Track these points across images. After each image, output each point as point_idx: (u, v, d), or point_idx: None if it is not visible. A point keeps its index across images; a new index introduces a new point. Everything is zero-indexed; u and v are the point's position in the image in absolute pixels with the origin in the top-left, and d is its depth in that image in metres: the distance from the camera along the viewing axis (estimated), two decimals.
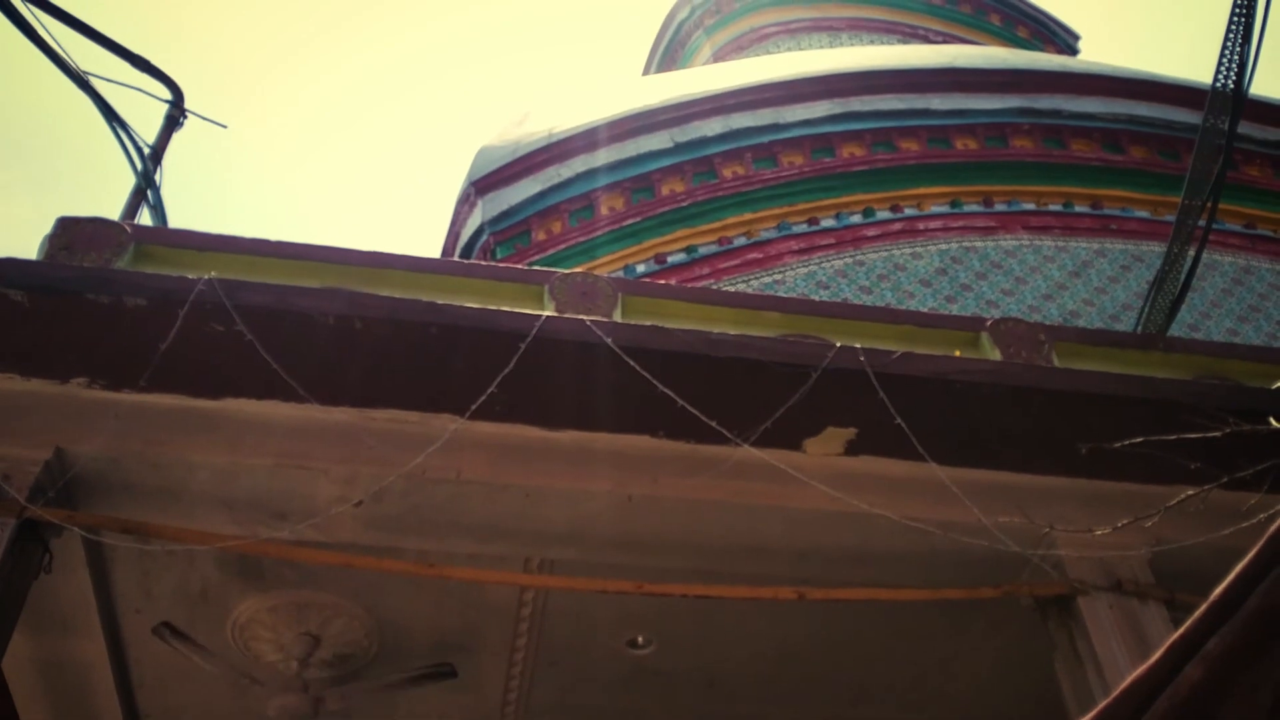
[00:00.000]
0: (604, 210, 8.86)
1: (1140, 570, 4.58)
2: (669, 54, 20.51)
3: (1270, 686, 1.76)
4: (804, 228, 9.06)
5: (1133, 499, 4.37)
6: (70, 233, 4.46)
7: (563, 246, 8.61)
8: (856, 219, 9.20)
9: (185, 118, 7.19)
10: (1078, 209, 9.82)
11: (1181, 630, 1.88)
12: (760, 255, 8.78)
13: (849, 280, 8.61)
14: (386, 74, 39.06)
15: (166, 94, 7.22)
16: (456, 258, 8.84)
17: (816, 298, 8.12)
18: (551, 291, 4.86)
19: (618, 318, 4.79)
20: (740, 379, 4.22)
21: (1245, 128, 8.26)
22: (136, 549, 4.30)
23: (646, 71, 21.11)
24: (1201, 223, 6.16)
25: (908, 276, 8.74)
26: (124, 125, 6.70)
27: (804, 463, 4.41)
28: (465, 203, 9.06)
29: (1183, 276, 6.22)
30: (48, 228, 4.48)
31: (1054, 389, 4.47)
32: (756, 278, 8.57)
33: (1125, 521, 3.68)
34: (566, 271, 5.12)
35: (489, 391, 4.04)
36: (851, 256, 8.86)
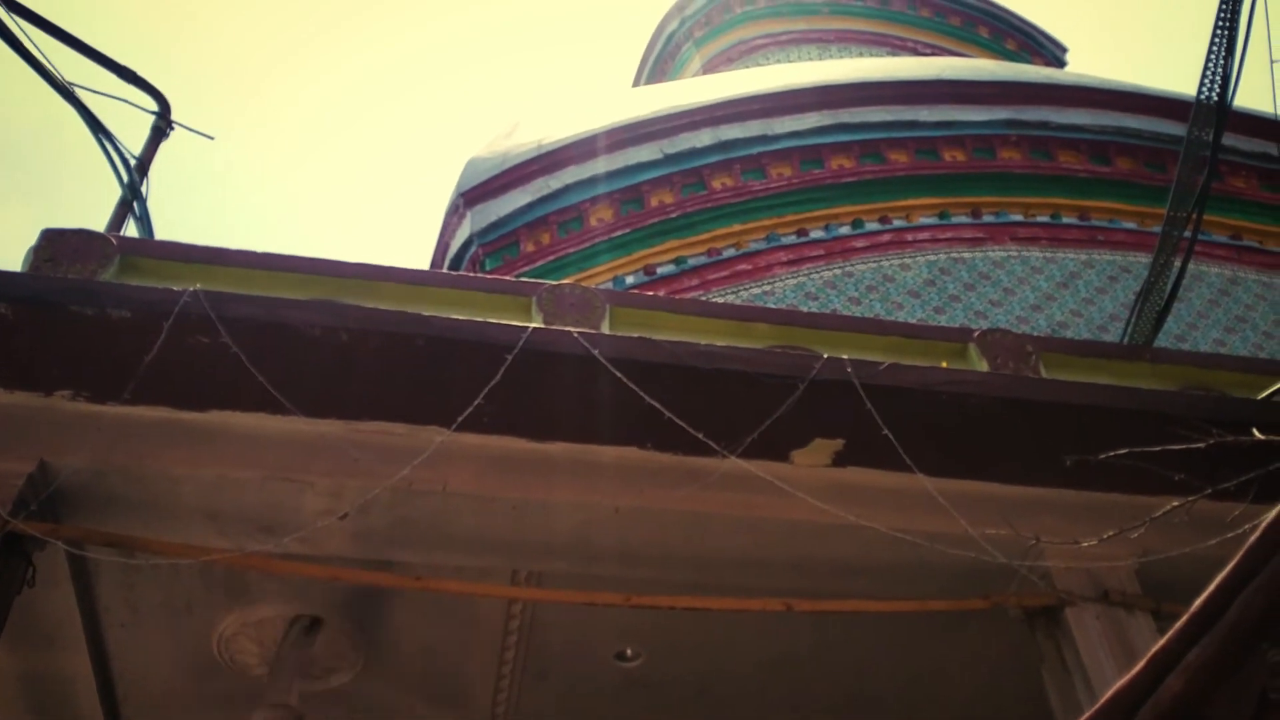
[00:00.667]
0: (593, 222, 8.88)
1: (1127, 581, 4.59)
2: (659, 66, 20.61)
3: (1250, 697, 1.77)
4: (793, 239, 9.09)
5: (1119, 510, 4.37)
6: (55, 245, 4.45)
7: (552, 258, 8.62)
8: (845, 230, 9.23)
9: (172, 129, 7.19)
10: (1065, 220, 9.86)
11: (1162, 641, 1.89)
12: (749, 267, 8.81)
13: (838, 291, 8.63)
14: (375, 83, 39.12)
15: (153, 105, 7.23)
16: (445, 269, 8.84)
17: (805, 309, 8.13)
18: (540, 303, 4.85)
19: (606, 329, 4.79)
20: (728, 390, 4.21)
21: (1230, 139, 8.34)
22: (121, 563, 4.26)
23: (637, 83, 21.18)
24: (1187, 234, 6.21)
25: (896, 288, 8.76)
26: (110, 137, 6.69)
27: (791, 474, 4.39)
28: (454, 214, 9.07)
29: (1169, 287, 6.26)
30: (33, 239, 4.48)
31: (1041, 400, 4.48)
32: (745, 289, 8.59)
33: (1112, 532, 3.68)
34: (554, 283, 5.12)
35: (476, 403, 4.02)
36: (840, 268, 8.88)
